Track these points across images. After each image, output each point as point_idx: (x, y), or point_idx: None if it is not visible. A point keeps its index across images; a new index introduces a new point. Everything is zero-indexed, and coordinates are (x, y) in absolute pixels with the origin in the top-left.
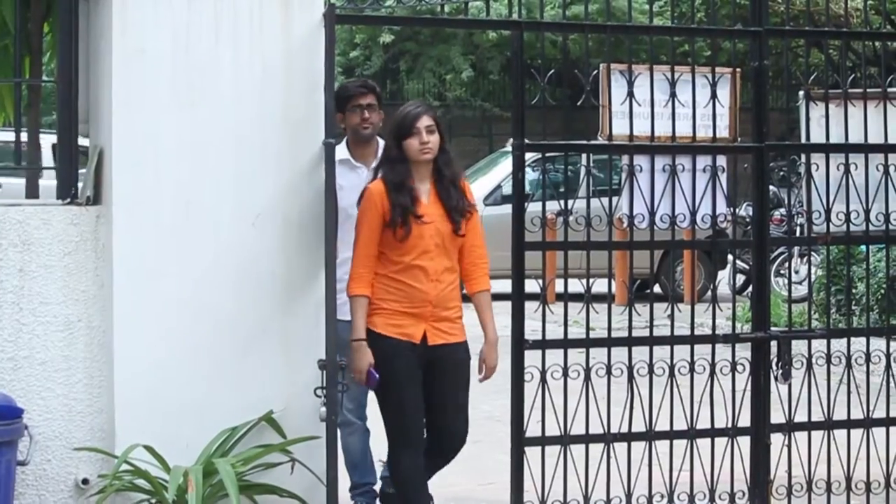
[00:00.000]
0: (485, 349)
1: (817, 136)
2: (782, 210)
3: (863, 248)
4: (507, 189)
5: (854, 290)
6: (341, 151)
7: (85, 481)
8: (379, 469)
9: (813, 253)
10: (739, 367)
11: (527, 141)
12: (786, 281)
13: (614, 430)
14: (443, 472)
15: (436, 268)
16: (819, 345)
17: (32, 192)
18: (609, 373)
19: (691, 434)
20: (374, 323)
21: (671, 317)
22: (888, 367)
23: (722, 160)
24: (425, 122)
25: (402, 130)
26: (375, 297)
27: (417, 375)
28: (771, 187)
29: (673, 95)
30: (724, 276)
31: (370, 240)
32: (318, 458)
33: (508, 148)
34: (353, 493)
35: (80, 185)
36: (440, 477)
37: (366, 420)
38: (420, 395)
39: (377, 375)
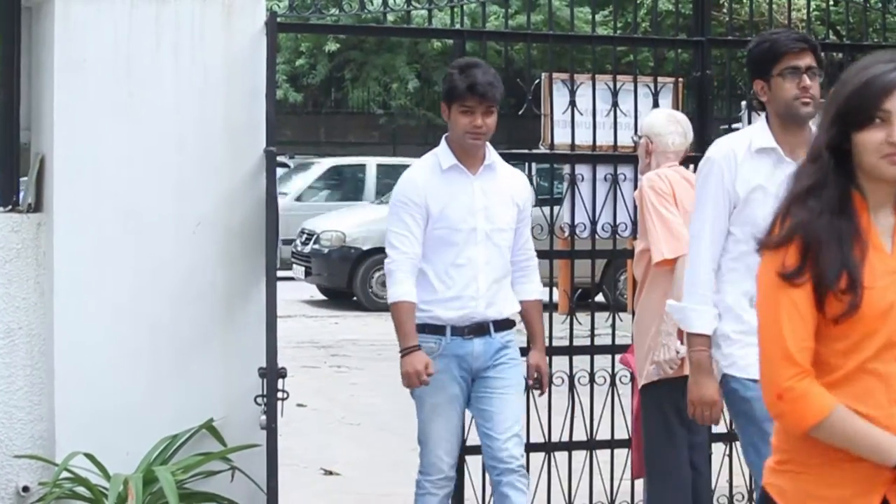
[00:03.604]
0: None
1: None
2: None
3: None
4: None
5: None
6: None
7: (25, 489)
8: None
9: None
10: None
11: None
12: None
13: (555, 439)
14: (382, 479)
15: None
16: None
17: None
18: (550, 382)
19: (632, 443)
20: (780, 491)
21: (613, 326)
22: None
23: None
24: None
25: (860, 111)
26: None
27: None
28: None
29: (615, 105)
30: None
31: (800, 317)
32: (258, 466)
33: None
34: None
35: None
36: (379, 486)
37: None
38: None
39: None
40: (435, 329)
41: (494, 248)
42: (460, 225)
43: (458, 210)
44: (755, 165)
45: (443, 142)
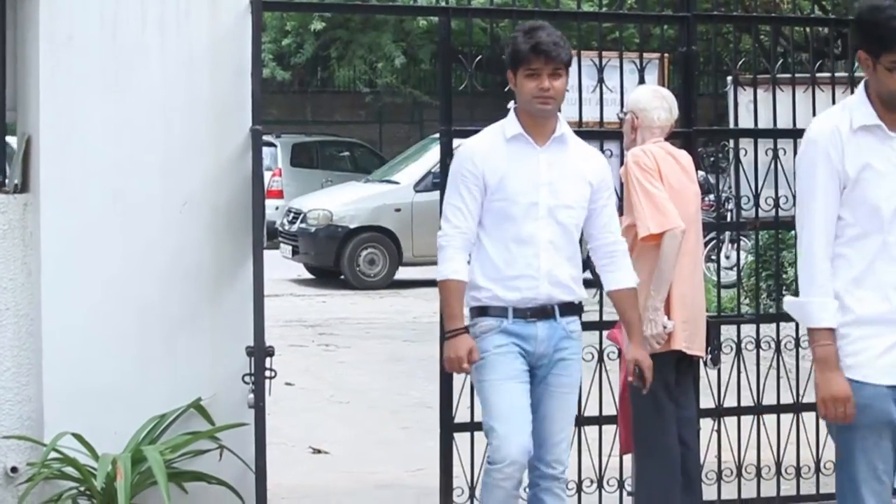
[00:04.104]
0: None
1: (746, 122)
2: (711, 195)
3: (792, 232)
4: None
5: (784, 275)
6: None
7: (14, 469)
8: None
9: (742, 238)
10: None
11: (454, 127)
12: (715, 266)
13: None
14: (370, 458)
15: None
16: (748, 330)
17: None
18: None
19: (619, 418)
20: None
21: (600, 302)
22: None
23: None
24: None
25: None
26: None
27: None
28: (700, 172)
29: (601, 81)
30: None
31: None
32: (246, 445)
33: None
34: None
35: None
36: (368, 464)
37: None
38: None
39: None
40: (497, 311)
41: (558, 226)
42: (519, 198)
43: (518, 182)
44: (859, 143)
45: (510, 112)
